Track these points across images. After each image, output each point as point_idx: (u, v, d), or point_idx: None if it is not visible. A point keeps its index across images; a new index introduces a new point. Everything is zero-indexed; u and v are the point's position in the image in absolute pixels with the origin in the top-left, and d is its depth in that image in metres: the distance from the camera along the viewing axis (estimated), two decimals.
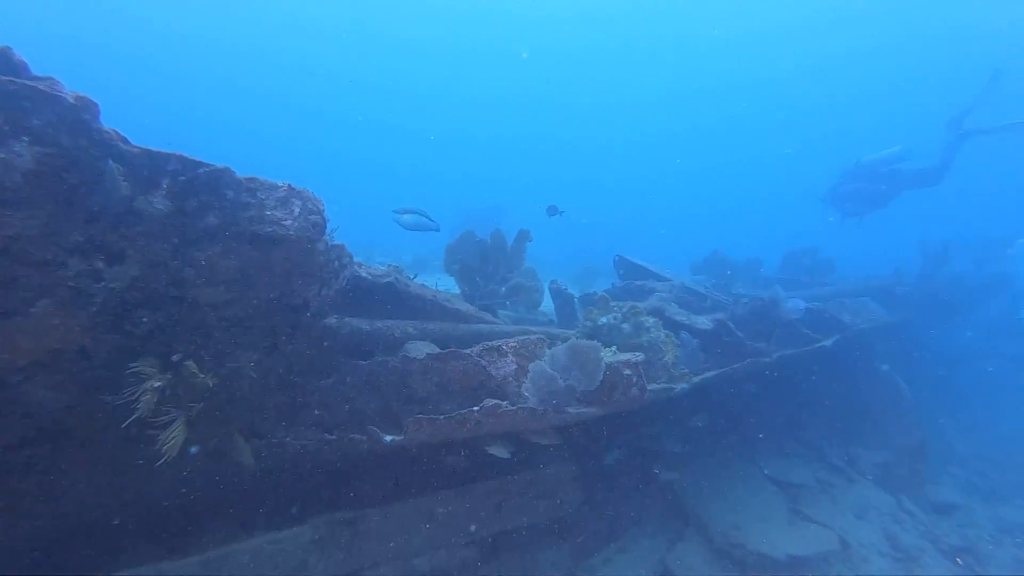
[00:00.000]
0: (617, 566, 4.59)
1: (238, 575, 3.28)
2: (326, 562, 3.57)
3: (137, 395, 2.48)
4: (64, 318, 2.35)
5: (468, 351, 3.43)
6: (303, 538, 3.52)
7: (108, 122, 2.33)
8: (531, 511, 4.27)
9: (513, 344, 3.48)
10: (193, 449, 2.85)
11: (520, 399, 3.28)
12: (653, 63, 48.89)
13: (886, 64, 39.90)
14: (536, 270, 6.20)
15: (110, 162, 2.27)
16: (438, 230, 5.92)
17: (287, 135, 57.76)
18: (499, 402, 3.12)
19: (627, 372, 3.40)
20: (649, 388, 3.62)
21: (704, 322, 5.03)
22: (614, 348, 3.72)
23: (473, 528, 4.08)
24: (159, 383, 2.55)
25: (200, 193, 2.58)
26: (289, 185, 2.97)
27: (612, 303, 4.47)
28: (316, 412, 3.77)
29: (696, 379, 4.25)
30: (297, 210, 2.96)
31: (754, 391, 6.19)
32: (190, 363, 2.63)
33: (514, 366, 3.41)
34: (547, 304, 6.17)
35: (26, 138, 2.15)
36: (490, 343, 3.51)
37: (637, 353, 3.59)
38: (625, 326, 4.18)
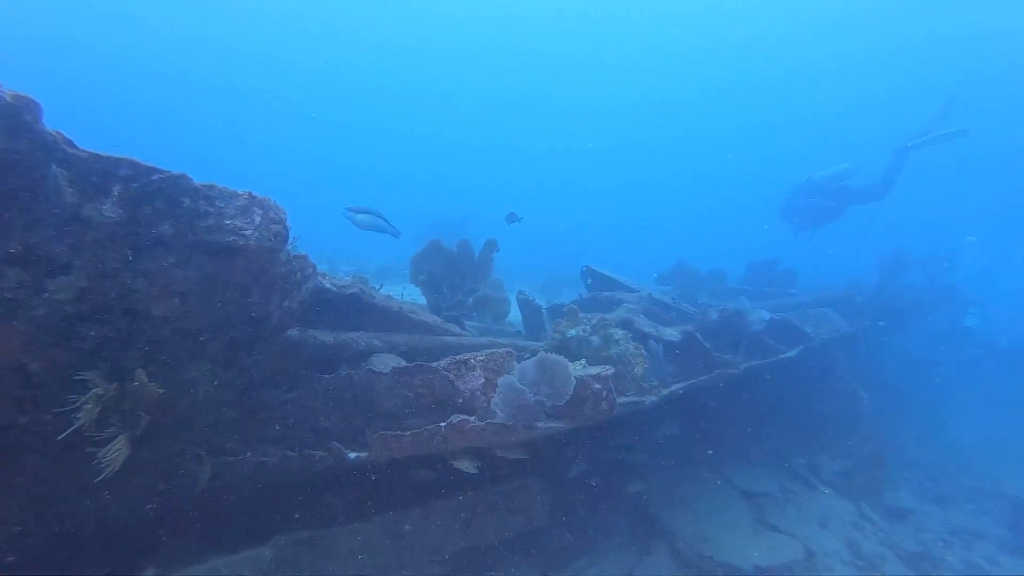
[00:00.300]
0: None
1: None
2: None
3: (79, 404, 2.34)
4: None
5: (435, 365, 3.35)
6: (263, 559, 3.38)
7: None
8: (500, 526, 4.20)
9: (481, 358, 3.42)
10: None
11: (489, 414, 3.22)
12: (622, 71, 49.59)
13: (853, 77, 41.20)
14: (503, 279, 6.14)
15: (53, 167, 2.14)
16: (397, 235, 5.79)
17: (260, 137, 56.51)
18: (467, 417, 3.05)
19: (597, 386, 3.37)
20: (619, 401, 3.60)
21: (672, 334, 5.06)
22: (583, 361, 3.69)
23: (440, 545, 3.99)
24: (102, 391, 2.40)
25: (154, 200, 2.46)
26: (250, 193, 2.87)
27: (581, 315, 4.45)
28: (277, 427, 3.65)
29: (665, 391, 4.25)
30: (258, 219, 2.86)
31: (721, 402, 6.25)
32: (140, 371, 2.50)
33: (482, 380, 3.35)
34: (514, 315, 6.12)
35: None
36: (458, 356, 3.45)
37: (607, 367, 3.57)
38: (594, 338, 4.16)
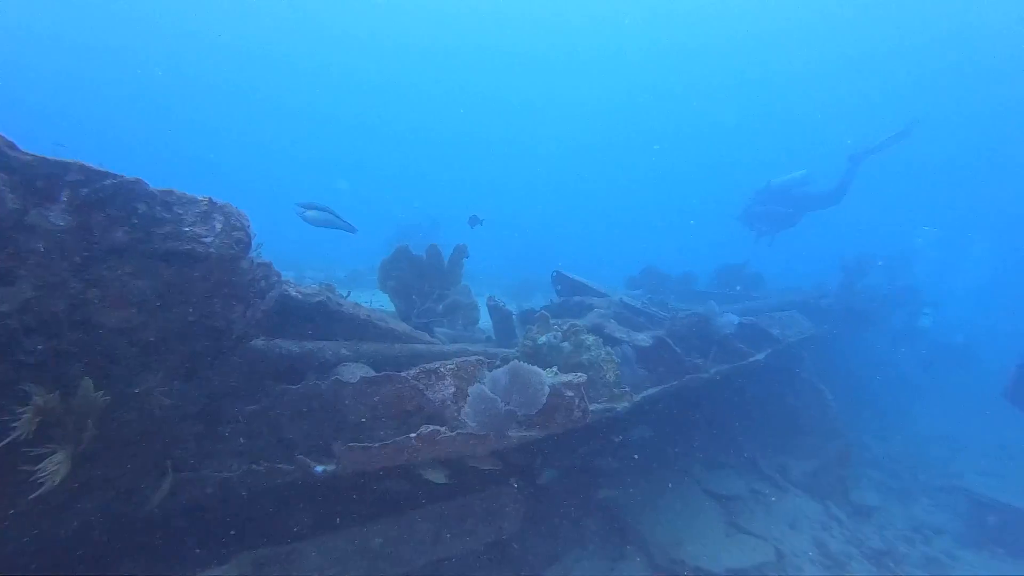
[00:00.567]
0: None
1: None
2: None
3: (17, 416, 2.20)
4: None
5: (404, 374, 3.28)
6: None
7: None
8: (472, 536, 4.14)
9: (451, 366, 3.36)
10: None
11: (459, 424, 3.16)
12: (592, 72, 49.99)
13: (821, 80, 42.32)
14: (473, 285, 6.09)
15: None
16: (352, 231, 5.67)
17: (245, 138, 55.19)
18: (437, 428, 2.99)
19: (569, 394, 3.34)
20: (591, 408, 3.57)
21: (644, 339, 5.07)
22: (555, 368, 3.66)
23: (411, 557, 3.91)
24: (42, 402, 2.26)
25: (106, 206, 2.35)
26: (210, 199, 2.77)
27: (552, 321, 4.42)
28: (242, 440, 3.53)
29: (637, 397, 4.25)
30: (219, 226, 2.76)
31: (692, 406, 6.30)
32: (86, 380, 2.37)
33: (452, 389, 3.30)
34: (484, 320, 6.07)
35: None
36: (427, 365, 3.38)
37: (579, 374, 3.54)
38: (565, 345, 4.14)
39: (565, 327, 4.26)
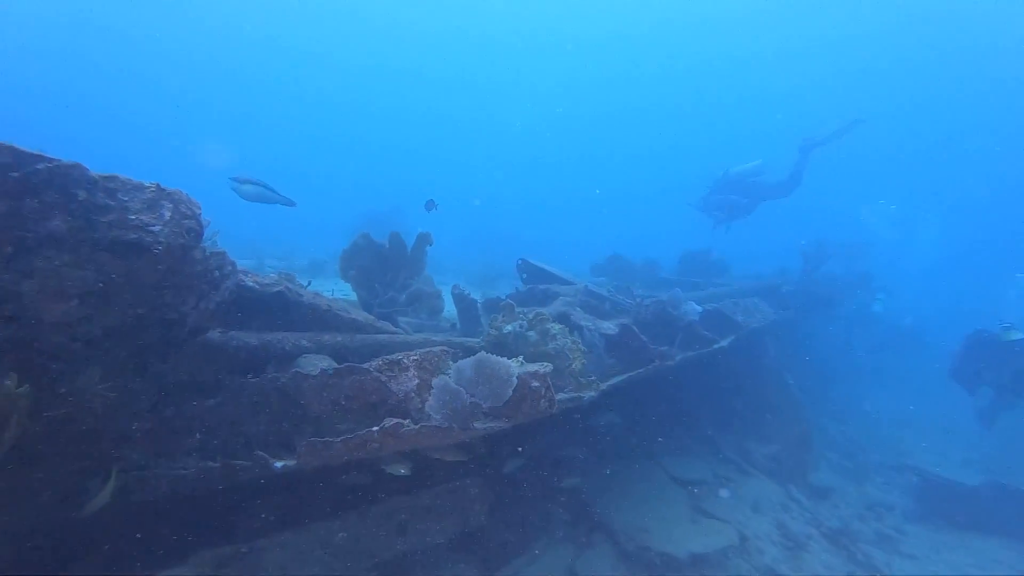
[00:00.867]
0: None
1: None
2: None
3: None
4: None
5: (366, 366, 3.20)
6: None
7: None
8: (438, 528, 4.10)
9: (415, 357, 3.29)
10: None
11: (423, 416, 3.10)
12: (557, 56, 49.88)
13: (784, 64, 43.02)
14: (437, 273, 5.99)
15: None
16: (291, 205, 5.50)
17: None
18: (401, 421, 2.92)
19: (535, 384, 3.31)
20: (558, 398, 3.55)
21: (609, 327, 5.07)
22: (521, 358, 3.63)
23: (377, 551, 3.86)
24: None
25: (42, 193, 2.20)
26: (158, 185, 2.63)
27: (517, 309, 4.38)
28: (198, 436, 3.40)
29: (604, 386, 4.25)
30: (168, 214, 2.63)
31: (657, 393, 6.35)
32: (11, 375, 2.22)
33: (416, 381, 3.23)
34: (449, 309, 6.00)
35: None
36: (390, 356, 3.30)
37: (545, 364, 3.52)
38: (531, 334, 4.10)
39: (531, 316, 4.22)
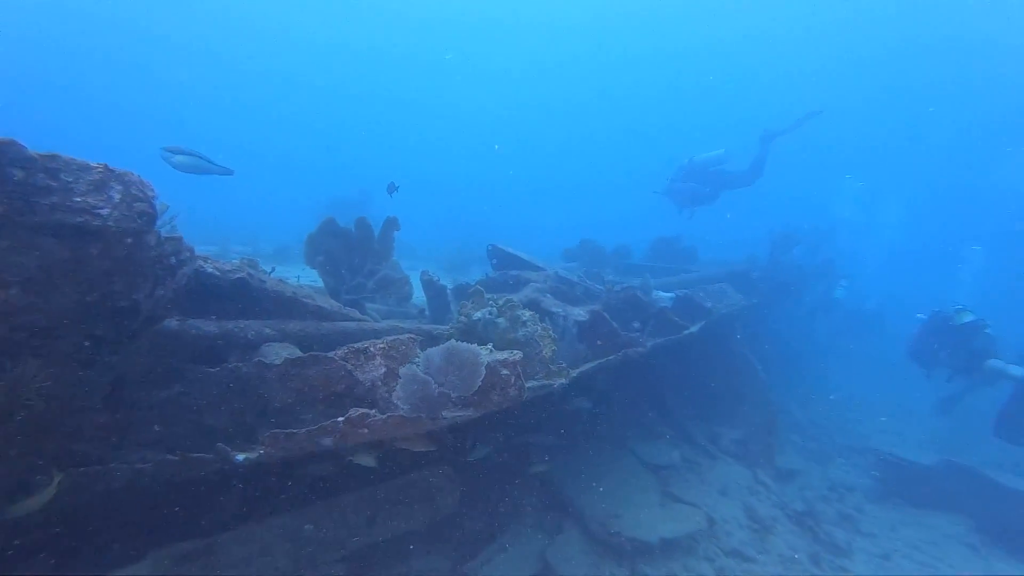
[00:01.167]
0: (497, 565, 4.49)
1: None
2: None
3: None
4: None
5: (332, 354, 3.11)
6: None
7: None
8: (407, 518, 4.05)
9: (382, 345, 3.21)
10: None
11: (390, 406, 3.03)
12: (528, 39, 49.48)
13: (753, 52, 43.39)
14: (406, 258, 5.87)
15: None
16: (229, 174, 5.36)
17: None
18: (367, 411, 2.85)
19: (505, 372, 3.26)
20: (528, 386, 3.52)
21: (580, 313, 5.04)
22: (490, 345, 3.57)
23: (345, 542, 3.79)
24: None
25: None
26: (105, 166, 2.48)
27: (487, 296, 4.32)
28: (156, 428, 3.27)
29: (575, 373, 4.23)
30: (117, 196, 2.49)
31: (628, 379, 6.38)
32: None
33: (383, 369, 3.15)
34: (418, 295, 5.90)
35: None
36: (356, 345, 3.21)
37: (515, 351, 3.47)
38: (501, 321, 4.04)
39: (501, 302, 4.16)
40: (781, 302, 12.44)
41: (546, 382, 3.91)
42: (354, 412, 2.82)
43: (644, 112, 54.63)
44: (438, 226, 24.39)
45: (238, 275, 3.74)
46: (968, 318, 7.88)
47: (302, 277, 5.78)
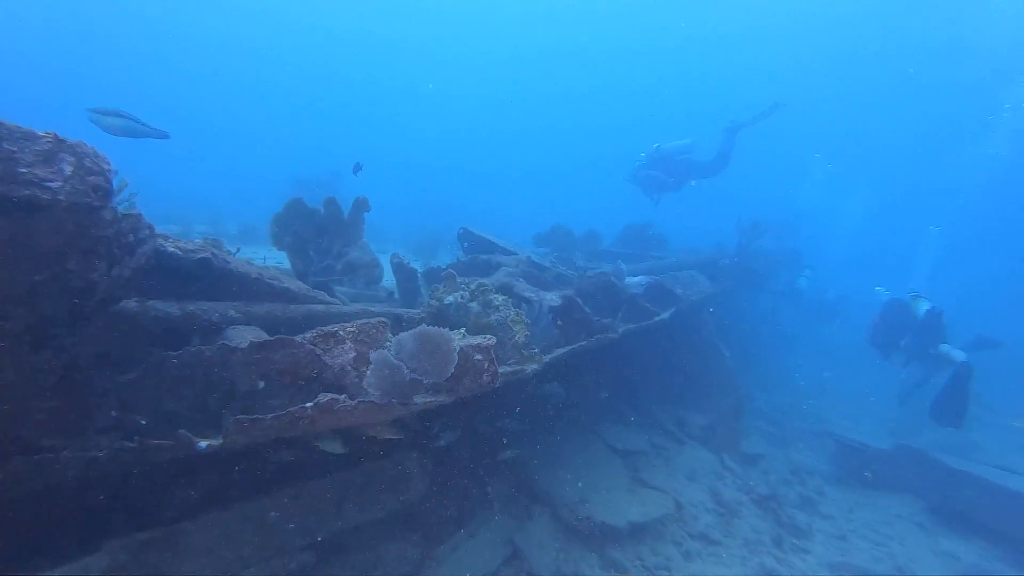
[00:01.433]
0: (466, 551, 4.48)
1: None
2: None
3: None
4: None
5: (300, 338, 3.01)
6: (94, 569, 2.92)
7: None
8: (375, 505, 3.99)
9: (351, 329, 3.12)
10: None
11: (360, 391, 2.96)
12: (502, 23, 49.03)
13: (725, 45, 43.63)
14: (376, 240, 5.75)
15: None
16: (164, 137, 5.00)
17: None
18: (336, 396, 2.77)
19: (478, 357, 3.21)
20: (500, 371, 3.48)
21: (553, 298, 5.02)
22: (463, 331, 3.52)
23: (312, 529, 3.72)
24: None
25: None
26: (55, 135, 2.33)
27: (459, 279, 4.26)
28: (114, 414, 3.13)
29: (547, 358, 4.20)
30: (69, 169, 2.35)
31: (599, 364, 6.40)
32: None
33: (353, 354, 3.07)
34: (388, 278, 5.80)
35: None
36: (325, 328, 3.12)
37: (488, 336, 3.42)
38: (473, 305, 3.99)
39: (473, 286, 4.11)
40: (748, 289, 12.68)
41: (519, 368, 3.88)
42: (323, 397, 2.74)
43: (617, 100, 54.70)
44: (408, 209, 24.11)
45: (201, 255, 3.59)
46: (924, 306, 8.15)
47: (268, 258, 5.62)
